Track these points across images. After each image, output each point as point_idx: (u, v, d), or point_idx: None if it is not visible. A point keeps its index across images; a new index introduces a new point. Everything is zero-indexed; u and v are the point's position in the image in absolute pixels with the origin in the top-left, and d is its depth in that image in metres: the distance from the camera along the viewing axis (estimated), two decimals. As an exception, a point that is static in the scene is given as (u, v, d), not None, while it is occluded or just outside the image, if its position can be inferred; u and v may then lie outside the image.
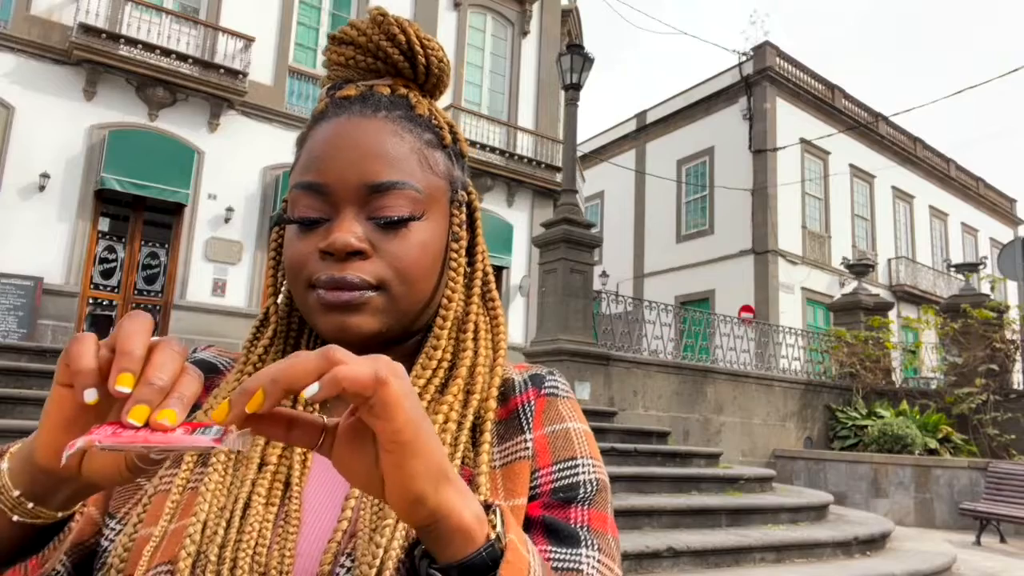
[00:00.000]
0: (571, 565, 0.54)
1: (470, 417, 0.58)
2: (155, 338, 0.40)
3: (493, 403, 0.60)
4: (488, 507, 0.45)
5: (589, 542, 0.56)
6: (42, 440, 0.40)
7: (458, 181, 0.67)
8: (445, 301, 0.63)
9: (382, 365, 0.38)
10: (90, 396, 0.38)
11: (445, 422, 0.57)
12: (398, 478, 0.38)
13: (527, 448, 0.60)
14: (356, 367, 0.37)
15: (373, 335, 0.59)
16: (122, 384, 0.36)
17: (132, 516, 0.55)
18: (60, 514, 0.45)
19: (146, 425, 0.35)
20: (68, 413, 0.39)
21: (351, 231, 0.57)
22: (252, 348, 0.63)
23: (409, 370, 0.61)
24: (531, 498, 0.58)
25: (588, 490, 0.59)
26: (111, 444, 0.35)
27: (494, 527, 0.43)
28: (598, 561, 0.55)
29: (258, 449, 0.57)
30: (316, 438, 0.41)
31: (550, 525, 0.57)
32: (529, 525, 0.57)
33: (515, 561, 0.42)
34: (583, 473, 0.60)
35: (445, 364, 0.61)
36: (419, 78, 0.66)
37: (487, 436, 0.59)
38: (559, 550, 0.55)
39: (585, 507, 0.58)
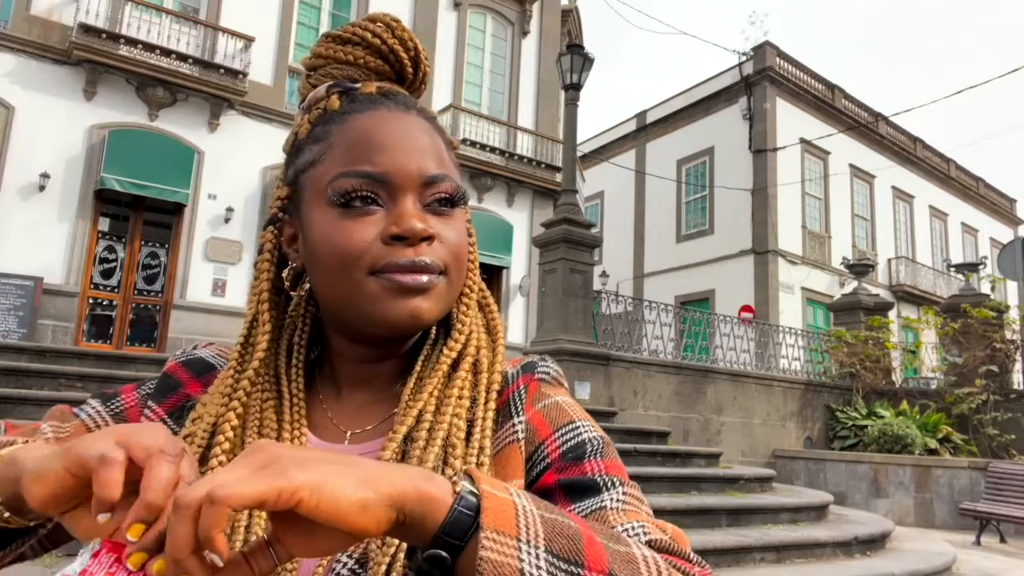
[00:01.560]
0: (595, 507, 0.55)
1: (483, 391, 0.62)
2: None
3: (498, 375, 0.64)
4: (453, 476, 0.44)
5: (609, 484, 0.57)
6: (35, 493, 0.41)
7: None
8: (467, 290, 0.66)
9: (206, 485, 0.36)
10: (102, 519, 0.40)
11: (459, 398, 0.60)
12: (338, 519, 0.37)
13: (516, 431, 0.62)
14: (205, 521, 0.35)
15: (432, 322, 0.61)
16: (132, 535, 0.38)
17: None
18: (33, 523, 0.46)
19: (142, 568, 0.38)
20: (66, 495, 0.41)
21: (421, 217, 0.59)
22: (250, 350, 0.65)
23: (414, 358, 0.64)
24: (542, 470, 0.60)
25: (595, 445, 0.61)
26: None
27: (458, 483, 0.42)
28: (623, 494, 0.57)
29: None
30: (270, 555, 0.39)
31: (568, 485, 0.58)
32: (548, 495, 0.58)
33: (495, 505, 0.41)
34: (585, 432, 0.62)
35: (460, 346, 0.65)
36: (415, 84, 0.69)
37: (491, 405, 0.62)
38: (582, 503, 0.56)
39: (598, 458, 0.60)
